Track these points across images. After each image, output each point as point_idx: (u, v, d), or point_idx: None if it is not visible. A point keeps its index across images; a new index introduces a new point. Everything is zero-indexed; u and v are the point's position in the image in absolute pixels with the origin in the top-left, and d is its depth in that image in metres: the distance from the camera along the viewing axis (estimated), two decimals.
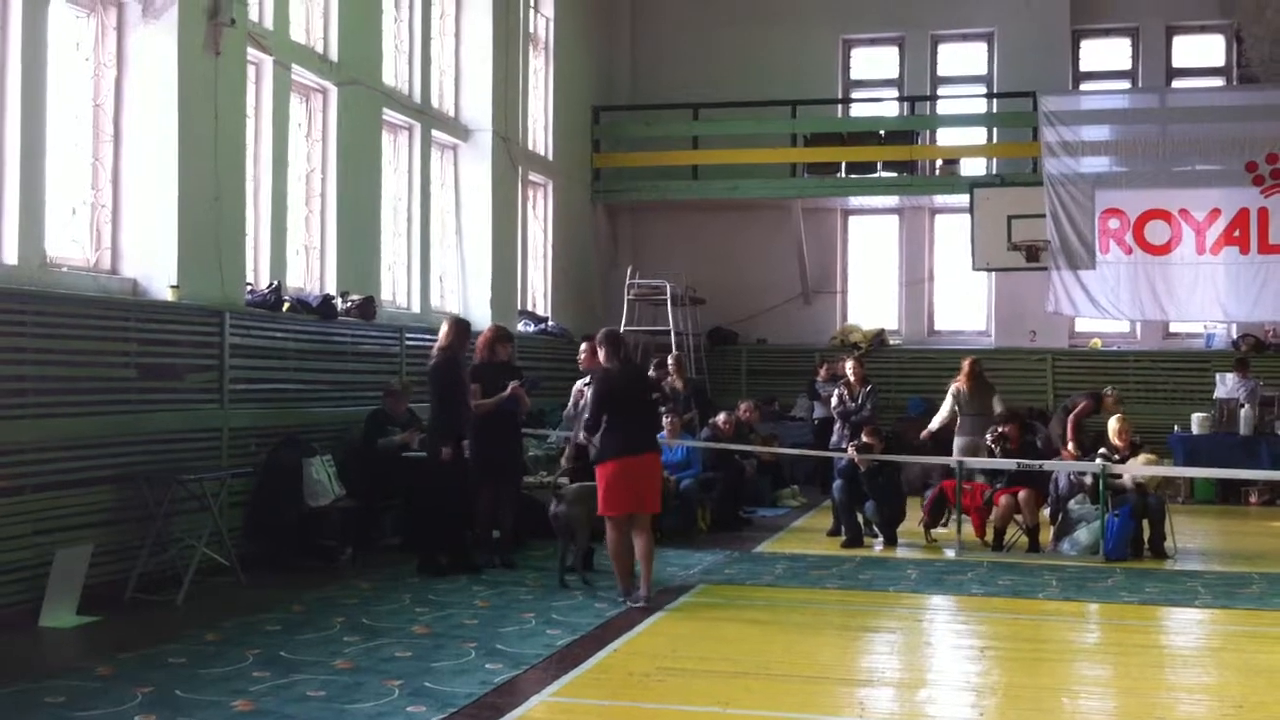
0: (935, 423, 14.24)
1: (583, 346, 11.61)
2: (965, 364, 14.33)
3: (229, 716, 6.17)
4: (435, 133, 15.02)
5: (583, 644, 7.94)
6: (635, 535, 9.26)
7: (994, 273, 18.94)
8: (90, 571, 8.67)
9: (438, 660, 7.39)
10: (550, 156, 18.39)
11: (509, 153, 16.19)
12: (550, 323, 17.72)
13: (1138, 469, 11.91)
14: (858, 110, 20.97)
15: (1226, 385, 16.84)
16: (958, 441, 13.85)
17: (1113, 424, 12.40)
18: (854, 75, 20.93)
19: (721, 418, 14.21)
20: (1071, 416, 14.50)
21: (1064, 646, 8.46)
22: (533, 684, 6.93)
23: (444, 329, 10.74)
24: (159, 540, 9.39)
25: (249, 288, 11.09)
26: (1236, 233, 16.99)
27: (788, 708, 6.66)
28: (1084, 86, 19.92)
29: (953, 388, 14.22)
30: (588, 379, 11.09)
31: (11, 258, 8.80)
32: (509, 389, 10.79)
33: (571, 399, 12.43)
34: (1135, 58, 20.12)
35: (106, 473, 9.15)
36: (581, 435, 10.32)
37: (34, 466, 8.52)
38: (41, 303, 8.69)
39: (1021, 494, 12.02)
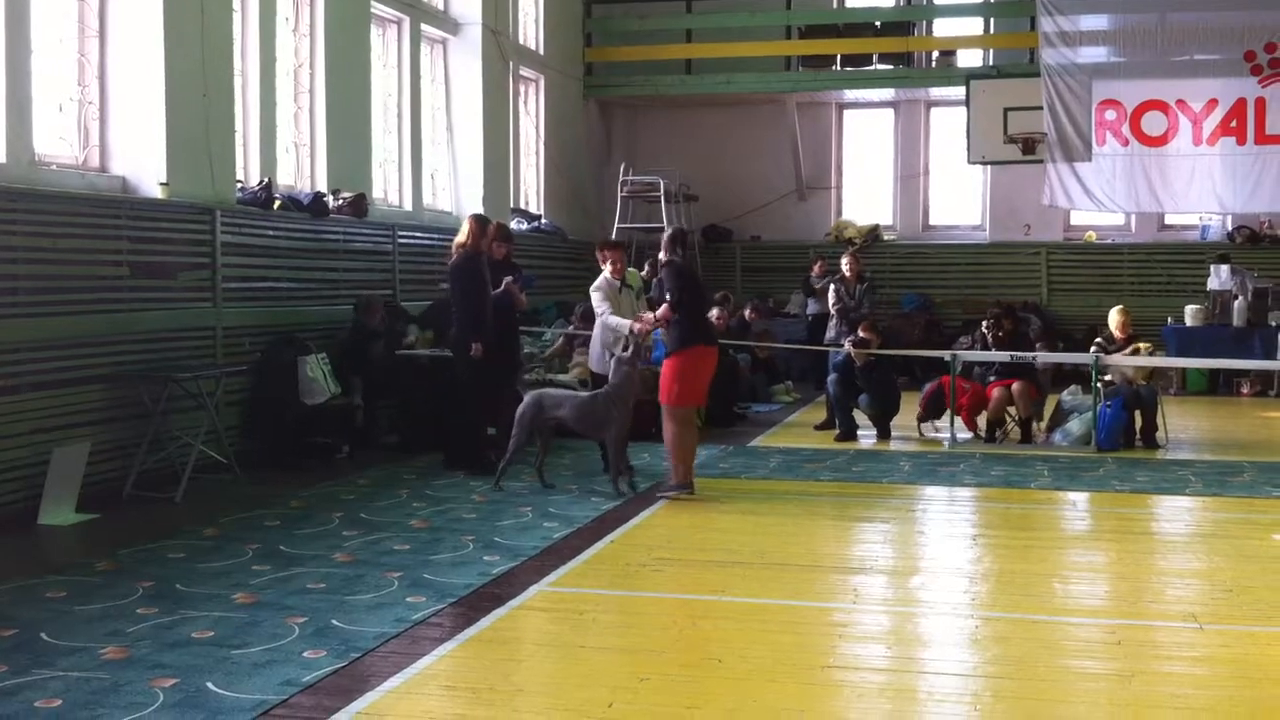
0: None
1: (606, 254, 10.28)
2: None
3: (230, 609, 6.22)
4: (425, 26, 14.79)
5: (580, 536, 8.01)
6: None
7: (989, 166, 18.76)
8: (88, 470, 8.71)
9: (436, 553, 7.45)
10: (541, 51, 18.12)
11: (500, 47, 15.96)
12: (543, 220, 17.62)
13: (1127, 360, 11.95)
14: (853, 1, 20.65)
15: (1220, 277, 16.84)
16: None
17: (1115, 316, 12.40)
18: None
19: (715, 313, 14.17)
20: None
21: (1056, 534, 8.56)
22: (531, 574, 6.99)
23: (464, 226, 10.51)
24: (156, 438, 9.42)
25: (239, 185, 11.00)
26: (1233, 123, 16.84)
27: (783, 595, 6.73)
28: None
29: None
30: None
31: (0, 155, 8.72)
32: (502, 285, 10.76)
33: (599, 306, 10.23)
34: None
35: (102, 371, 9.15)
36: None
37: (30, 365, 8.52)
38: (32, 200, 8.62)
39: (1015, 386, 12.06)
